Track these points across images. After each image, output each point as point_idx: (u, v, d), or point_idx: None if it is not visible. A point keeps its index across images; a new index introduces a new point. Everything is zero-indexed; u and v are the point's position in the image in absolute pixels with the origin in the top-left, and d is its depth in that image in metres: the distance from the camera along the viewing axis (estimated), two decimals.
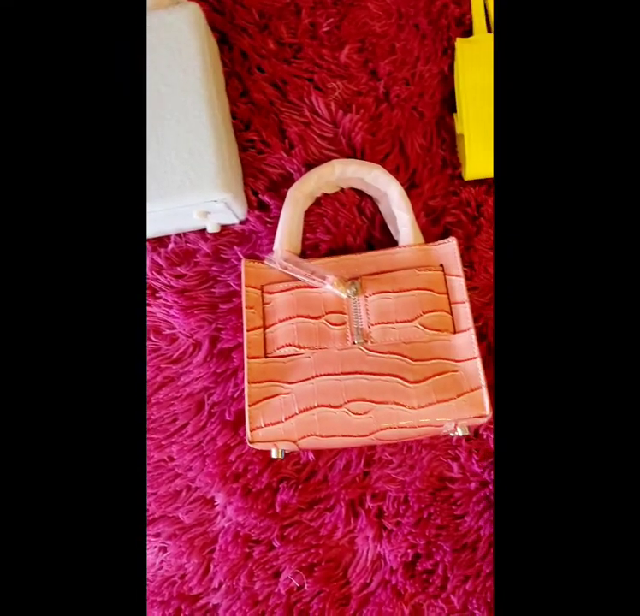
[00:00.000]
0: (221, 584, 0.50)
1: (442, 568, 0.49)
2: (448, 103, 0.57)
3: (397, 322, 0.48)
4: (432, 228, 0.54)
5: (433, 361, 0.47)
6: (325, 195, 0.55)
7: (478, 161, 0.53)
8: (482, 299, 0.53)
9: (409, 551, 0.50)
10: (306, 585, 0.50)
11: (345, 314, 0.49)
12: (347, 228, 0.54)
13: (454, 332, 0.48)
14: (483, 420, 0.46)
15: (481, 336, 0.52)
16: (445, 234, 0.53)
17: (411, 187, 0.55)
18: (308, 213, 0.55)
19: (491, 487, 0.51)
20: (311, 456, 0.52)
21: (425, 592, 0.49)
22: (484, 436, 0.51)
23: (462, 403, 0.46)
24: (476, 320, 0.53)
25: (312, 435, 0.46)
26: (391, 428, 0.46)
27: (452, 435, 0.48)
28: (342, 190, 0.55)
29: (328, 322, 0.48)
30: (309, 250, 0.54)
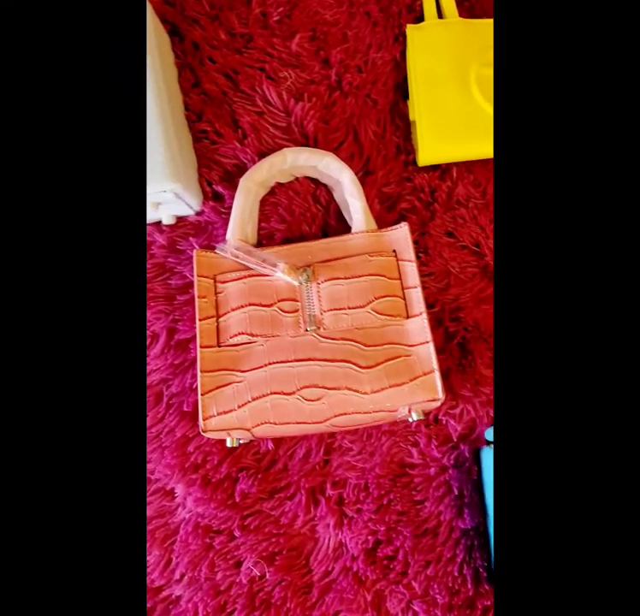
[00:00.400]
0: (182, 575, 0.50)
1: (403, 554, 0.49)
2: (401, 90, 0.57)
3: (349, 309, 0.48)
4: (387, 215, 0.54)
5: (385, 346, 0.47)
6: (280, 184, 0.55)
7: (431, 146, 0.53)
8: (437, 284, 0.53)
9: (370, 538, 0.50)
10: (268, 574, 0.50)
11: (297, 301, 0.48)
12: (302, 217, 0.54)
13: (407, 317, 0.48)
14: (437, 404, 0.46)
15: (437, 322, 0.52)
16: (400, 221, 0.53)
17: (365, 175, 0.55)
18: (263, 202, 0.55)
19: (451, 472, 0.51)
20: (271, 445, 0.52)
21: (387, 578, 0.49)
22: (443, 422, 0.51)
23: (415, 387, 0.46)
24: (432, 305, 0.53)
25: (266, 422, 0.46)
26: (345, 414, 0.46)
27: (410, 420, 0.48)
28: (297, 179, 0.55)
29: (281, 310, 0.48)
30: (265, 239, 0.54)
